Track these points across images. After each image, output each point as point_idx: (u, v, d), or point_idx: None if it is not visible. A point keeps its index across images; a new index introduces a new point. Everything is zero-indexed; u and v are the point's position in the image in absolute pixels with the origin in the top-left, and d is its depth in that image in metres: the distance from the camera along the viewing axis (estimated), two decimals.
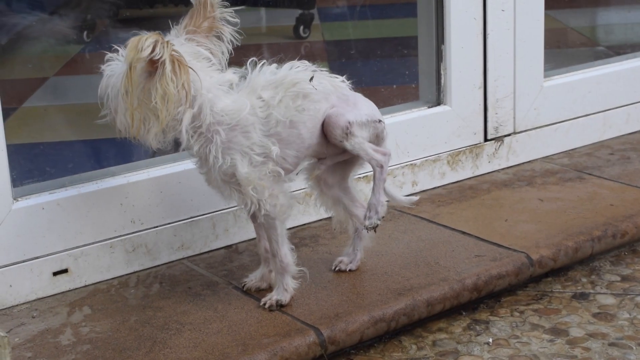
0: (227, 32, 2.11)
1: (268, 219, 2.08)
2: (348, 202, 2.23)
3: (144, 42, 1.91)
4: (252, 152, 2.03)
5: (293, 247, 2.13)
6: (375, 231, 2.18)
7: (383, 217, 2.16)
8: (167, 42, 1.94)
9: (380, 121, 2.15)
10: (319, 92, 2.08)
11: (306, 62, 2.11)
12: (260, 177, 2.04)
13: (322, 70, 2.11)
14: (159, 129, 1.99)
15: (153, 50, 1.91)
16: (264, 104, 2.04)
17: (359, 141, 2.10)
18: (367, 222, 2.15)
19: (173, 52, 1.94)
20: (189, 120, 2.00)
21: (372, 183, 2.15)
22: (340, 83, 2.13)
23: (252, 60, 2.08)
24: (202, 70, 2.03)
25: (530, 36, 2.90)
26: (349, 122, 2.08)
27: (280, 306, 2.11)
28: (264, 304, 2.11)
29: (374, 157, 2.13)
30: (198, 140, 2.02)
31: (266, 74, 2.07)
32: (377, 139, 2.16)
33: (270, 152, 2.03)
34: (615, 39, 4.58)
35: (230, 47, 2.11)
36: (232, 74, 2.07)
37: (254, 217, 2.13)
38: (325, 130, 2.10)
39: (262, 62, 2.08)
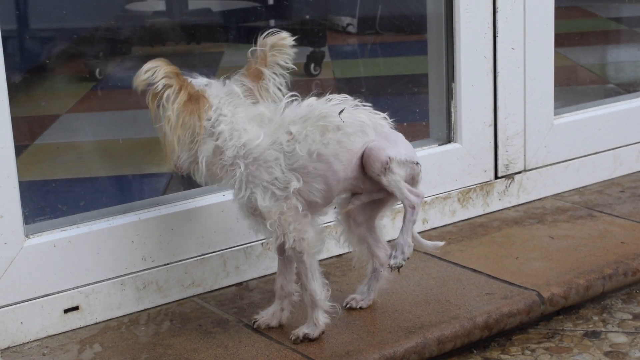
0: (272, 80, 2.13)
1: (295, 253, 2.09)
2: (372, 242, 2.23)
3: (144, 67, 1.98)
4: (273, 186, 2.04)
5: (327, 282, 2.13)
6: (399, 271, 2.18)
7: (408, 258, 2.14)
8: (168, 69, 1.99)
9: (417, 164, 2.14)
10: (353, 124, 2.08)
11: (347, 95, 2.12)
12: (283, 212, 2.04)
13: (364, 106, 2.12)
14: (186, 158, 2.05)
15: (153, 75, 1.97)
16: (292, 137, 2.05)
17: (396, 178, 2.09)
18: (392, 262, 2.13)
19: (183, 82, 2.00)
20: (209, 152, 2.04)
21: (394, 221, 2.15)
22: (381, 120, 2.13)
23: (290, 94, 2.10)
24: (230, 104, 2.06)
25: (541, 74, 2.91)
26: (389, 158, 2.07)
27: (308, 340, 2.10)
28: (291, 337, 2.11)
29: (407, 197, 2.11)
30: (225, 173, 2.06)
31: (297, 108, 2.08)
32: (412, 181, 2.15)
33: (291, 186, 2.04)
34: (625, 77, 4.59)
35: (274, 91, 2.13)
36: (262, 108, 2.08)
37: (280, 250, 2.14)
38: (364, 163, 2.09)
39: (295, 97, 2.10)
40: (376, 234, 2.24)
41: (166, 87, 2.01)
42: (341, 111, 2.07)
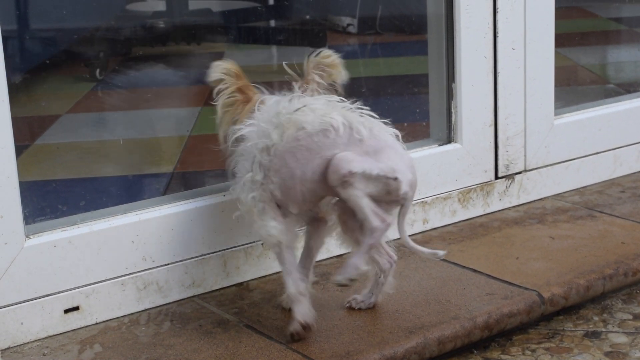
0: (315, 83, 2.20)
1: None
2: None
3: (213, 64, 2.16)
4: (248, 179, 2.07)
5: (316, 279, 2.16)
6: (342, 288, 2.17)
7: (353, 280, 2.02)
8: (227, 67, 2.16)
9: (395, 179, 1.98)
10: (313, 123, 2.02)
11: (342, 98, 2.14)
12: (251, 206, 2.07)
13: (360, 108, 2.08)
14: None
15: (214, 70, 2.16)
16: (262, 132, 2.08)
17: (357, 194, 1.96)
18: (336, 278, 2.03)
19: (238, 83, 2.17)
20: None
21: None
22: (373, 124, 2.04)
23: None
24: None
25: (541, 74, 2.91)
26: (350, 171, 1.95)
27: (297, 336, 2.09)
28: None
29: (368, 218, 1.98)
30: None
31: (285, 104, 2.09)
32: (389, 198, 2.01)
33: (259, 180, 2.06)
34: (625, 77, 4.59)
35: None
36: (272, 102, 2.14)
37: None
38: (326, 172, 2.01)
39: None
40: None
41: (220, 81, 2.15)
42: (299, 108, 2.05)
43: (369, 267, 2.11)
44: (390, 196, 2.00)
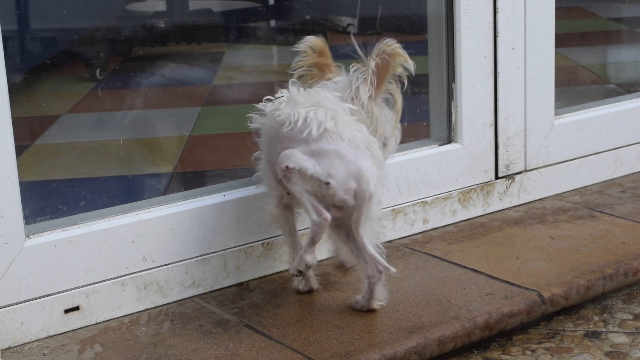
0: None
1: None
2: (355, 251, 2.18)
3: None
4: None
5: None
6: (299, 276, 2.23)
7: (301, 272, 2.15)
8: (314, 42, 2.25)
9: (327, 184, 2.04)
10: (281, 114, 2.10)
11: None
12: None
13: (351, 108, 2.12)
14: None
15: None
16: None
17: (297, 189, 2.05)
18: (289, 270, 2.19)
19: (316, 59, 2.27)
20: None
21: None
22: (338, 126, 2.06)
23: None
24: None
25: (541, 74, 2.91)
26: (287, 167, 2.04)
27: (299, 272, 2.18)
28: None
29: (309, 212, 2.06)
30: None
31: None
32: (325, 200, 2.07)
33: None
34: (626, 77, 4.59)
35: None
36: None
37: None
38: None
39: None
40: (358, 243, 2.15)
41: (302, 53, 2.23)
42: (279, 97, 2.13)
43: (315, 260, 2.15)
44: (325, 199, 2.07)
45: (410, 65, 2.20)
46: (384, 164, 2.19)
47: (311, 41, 2.25)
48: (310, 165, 2.04)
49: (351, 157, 2.05)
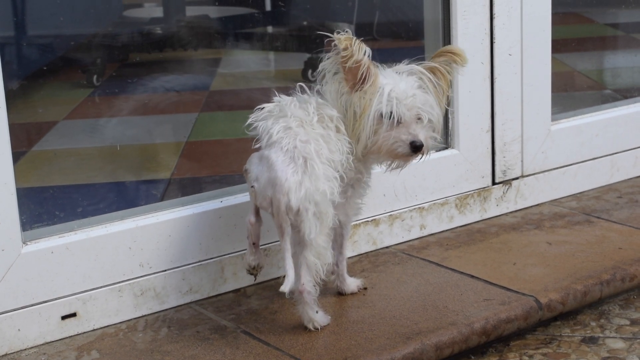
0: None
1: None
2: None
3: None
4: None
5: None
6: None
7: (248, 271, 2.22)
8: (348, 40, 2.13)
9: (252, 187, 2.11)
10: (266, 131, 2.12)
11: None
12: None
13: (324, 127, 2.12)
14: None
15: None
16: None
17: (250, 190, 2.14)
18: None
19: (351, 53, 2.14)
20: None
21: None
22: (291, 143, 2.07)
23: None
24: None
25: (538, 80, 2.91)
26: (245, 168, 2.15)
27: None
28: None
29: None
30: None
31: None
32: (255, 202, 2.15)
33: None
34: (622, 83, 4.59)
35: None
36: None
37: None
38: None
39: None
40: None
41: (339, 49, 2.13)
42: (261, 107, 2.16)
43: (256, 261, 2.21)
44: (255, 201, 2.13)
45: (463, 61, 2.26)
46: (335, 179, 2.10)
47: (346, 39, 2.11)
48: (251, 168, 2.12)
49: (277, 166, 2.06)
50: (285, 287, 2.06)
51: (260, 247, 2.23)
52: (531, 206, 2.97)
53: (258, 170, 2.10)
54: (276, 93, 2.21)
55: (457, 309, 2.28)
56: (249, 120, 2.16)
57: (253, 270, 2.22)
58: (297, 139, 2.07)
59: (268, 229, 2.29)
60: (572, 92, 4.31)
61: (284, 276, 2.08)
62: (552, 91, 2.97)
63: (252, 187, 2.12)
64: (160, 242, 2.33)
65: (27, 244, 2.19)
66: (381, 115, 2.13)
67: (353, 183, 2.23)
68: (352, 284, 2.37)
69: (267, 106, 2.17)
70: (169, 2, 5.27)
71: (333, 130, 2.13)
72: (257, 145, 2.15)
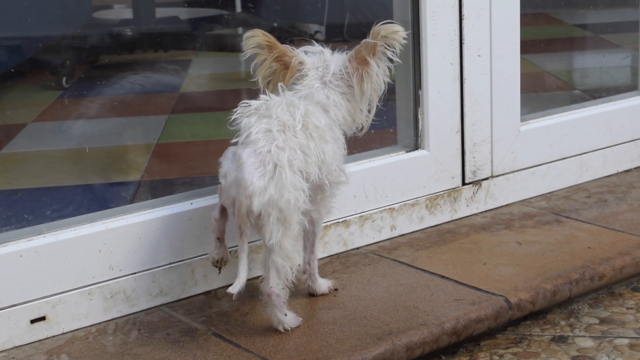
0: (375, 69, 2.26)
1: None
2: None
3: (245, 35, 2.24)
4: None
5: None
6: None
7: (213, 265, 2.24)
8: (260, 39, 2.23)
9: (220, 183, 2.12)
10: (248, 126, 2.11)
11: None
12: None
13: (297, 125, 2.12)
14: None
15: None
16: None
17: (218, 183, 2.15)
18: None
19: (272, 53, 2.24)
20: None
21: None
22: (266, 146, 2.07)
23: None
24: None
25: (507, 80, 2.93)
26: (219, 161, 2.14)
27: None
28: None
29: None
30: None
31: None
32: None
33: None
34: (591, 83, 4.63)
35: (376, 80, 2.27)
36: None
37: None
38: None
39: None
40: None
41: (256, 55, 2.22)
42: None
43: (219, 255, 2.22)
44: (220, 197, 2.15)
45: (397, 47, 2.29)
46: (303, 191, 2.08)
47: (255, 40, 2.23)
48: (223, 163, 2.12)
49: (246, 167, 2.06)
50: (234, 289, 2.07)
51: (230, 250, 2.23)
52: (501, 206, 2.99)
53: (228, 167, 2.09)
54: (246, 96, 2.21)
55: (427, 309, 2.29)
56: (234, 116, 2.15)
57: (217, 264, 2.24)
58: (274, 144, 2.06)
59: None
60: (541, 93, 4.33)
61: (261, 277, 2.11)
62: (522, 92, 2.99)
63: (219, 182, 2.12)
64: (130, 244, 2.32)
65: None
66: None
67: (333, 185, 2.24)
68: (323, 284, 2.37)
69: (254, 103, 2.15)
70: (138, 3, 5.25)
71: (317, 141, 2.12)
72: (235, 140, 2.14)
